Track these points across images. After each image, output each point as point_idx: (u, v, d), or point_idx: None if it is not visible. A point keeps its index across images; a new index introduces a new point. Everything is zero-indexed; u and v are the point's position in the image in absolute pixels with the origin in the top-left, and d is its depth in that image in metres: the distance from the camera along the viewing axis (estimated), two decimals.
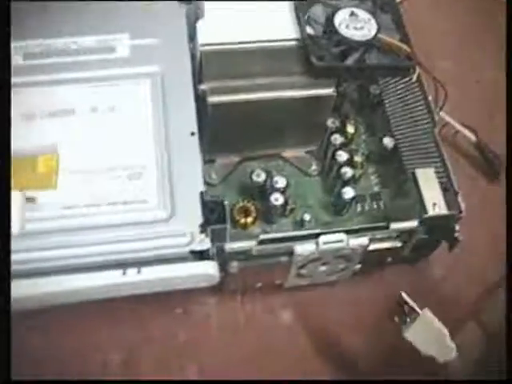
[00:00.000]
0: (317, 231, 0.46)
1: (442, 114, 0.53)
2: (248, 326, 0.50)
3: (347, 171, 0.49)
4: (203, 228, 0.44)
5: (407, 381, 0.47)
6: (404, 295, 0.45)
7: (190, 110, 0.48)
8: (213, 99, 0.46)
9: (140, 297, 0.45)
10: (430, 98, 0.51)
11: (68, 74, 0.49)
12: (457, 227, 0.48)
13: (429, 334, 0.43)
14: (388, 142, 0.51)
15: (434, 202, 0.47)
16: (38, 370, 0.47)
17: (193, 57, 0.50)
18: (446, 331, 0.43)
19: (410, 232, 0.47)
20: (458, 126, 0.57)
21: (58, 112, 0.48)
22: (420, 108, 0.52)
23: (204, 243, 0.43)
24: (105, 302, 0.44)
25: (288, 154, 0.53)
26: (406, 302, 0.44)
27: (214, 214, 0.44)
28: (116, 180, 0.45)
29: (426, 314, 0.44)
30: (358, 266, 0.49)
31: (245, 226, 0.49)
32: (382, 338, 0.50)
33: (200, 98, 0.48)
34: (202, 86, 0.47)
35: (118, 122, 0.47)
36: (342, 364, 0.50)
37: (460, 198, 0.47)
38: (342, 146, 0.51)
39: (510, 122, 0.50)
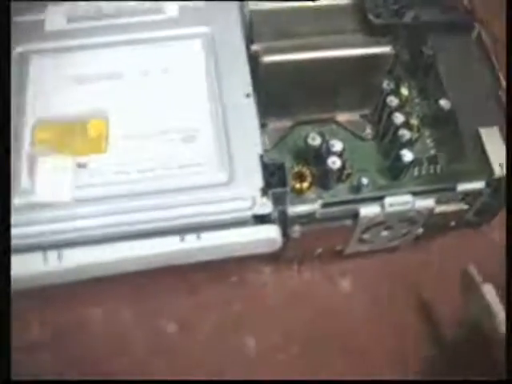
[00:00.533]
0: (382, 193, 0.44)
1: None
2: (305, 294, 0.49)
3: (405, 133, 0.48)
4: (264, 191, 0.42)
5: (412, 381, 0.46)
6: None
7: (243, 71, 0.46)
8: (266, 59, 0.45)
9: (193, 265, 0.44)
10: (492, 57, 0.49)
11: (116, 37, 0.47)
12: None
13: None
14: (445, 103, 0.49)
15: (501, 163, 0.45)
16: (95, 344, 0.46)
17: (244, 17, 0.48)
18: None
19: (475, 194, 0.45)
20: None
21: (108, 76, 0.46)
22: (479, 68, 0.50)
23: (266, 207, 0.42)
24: (158, 270, 0.43)
25: (342, 118, 0.51)
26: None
27: (274, 177, 0.43)
28: (170, 143, 0.44)
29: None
30: (421, 231, 0.48)
31: (300, 192, 0.47)
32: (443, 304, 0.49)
33: (253, 59, 0.46)
34: (254, 47, 0.46)
35: (170, 84, 0.46)
36: (400, 331, 0.49)
37: None
38: (398, 109, 0.49)
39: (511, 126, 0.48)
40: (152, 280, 0.46)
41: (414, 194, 0.44)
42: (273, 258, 0.48)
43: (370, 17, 0.45)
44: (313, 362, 0.47)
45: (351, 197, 0.44)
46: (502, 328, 0.40)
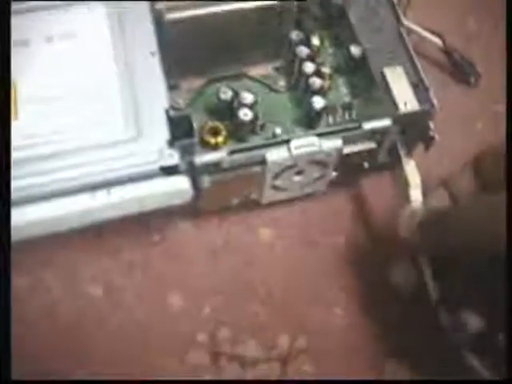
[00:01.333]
0: (288, 138, 0.44)
1: (405, 21, 0.51)
2: (227, 246, 0.49)
3: (315, 81, 0.48)
4: (171, 143, 0.43)
5: (408, 381, 0.47)
6: None
7: (148, 31, 0.46)
8: (169, 16, 0.46)
9: (114, 226, 0.44)
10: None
11: (18, 5, 0.47)
12: (431, 125, 0.46)
13: None
14: (355, 50, 0.50)
15: (405, 101, 0.45)
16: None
17: None
18: None
19: (383, 132, 0.46)
20: (423, 32, 0.56)
21: (13, 43, 0.46)
22: (384, 11, 0.51)
23: (173, 158, 0.42)
24: (79, 233, 0.43)
25: (254, 72, 0.51)
26: None
27: (180, 128, 0.43)
28: (79, 104, 0.44)
29: None
30: (334, 174, 0.48)
31: (216, 146, 0.47)
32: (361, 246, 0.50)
33: (157, 18, 0.46)
34: (158, 5, 0.46)
35: (75, 47, 0.46)
36: (324, 280, 0.49)
37: (432, 94, 0.46)
38: (309, 58, 0.49)
39: (510, 122, 0.49)
40: (71, 243, 0.46)
41: (321, 135, 0.44)
42: (192, 214, 0.48)
43: None
44: (237, 313, 0.47)
45: (257, 143, 0.44)
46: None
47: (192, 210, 0.47)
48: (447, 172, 0.46)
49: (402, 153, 0.47)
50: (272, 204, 0.49)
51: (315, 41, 0.51)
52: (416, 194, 0.46)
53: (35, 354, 0.45)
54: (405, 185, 0.47)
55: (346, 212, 0.51)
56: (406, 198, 0.46)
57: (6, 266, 0.37)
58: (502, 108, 0.56)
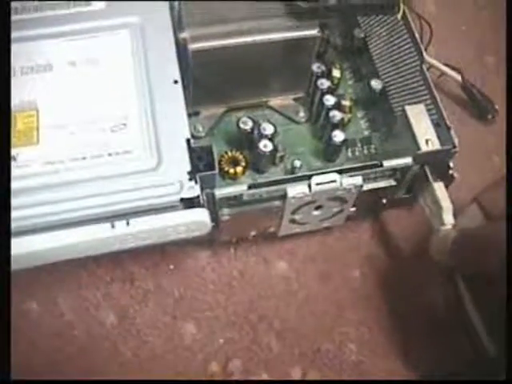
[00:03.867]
0: (309, 173, 0.44)
1: (426, 56, 0.51)
2: (243, 278, 0.49)
3: (336, 114, 0.48)
4: (192, 175, 0.42)
5: (409, 381, 0.47)
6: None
7: (171, 59, 0.47)
8: (193, 46, 0.45)
9: (130, 254, 0.44)
10: (416, 35, 0.50)
11: (44, 29, 0.47)
12: (451, 163, 0.46)
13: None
14: (376, 84, 0.50)
15: (427, 139, 0.45)
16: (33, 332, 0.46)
17: (172, 4, 0.48)
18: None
19: (404, 170, 0.46)
20: (443, 68, 0.56)
21: (36, 68, 0.46)
22: (407, 47, 0.51)
23: (193, 190, 0.42)
24: (95, 260, 0.43)
25: (275, 102, 0.51)
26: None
27: (201, 161, 0.43)
28: (99, 132, 0.44)
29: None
30: (353, 210, 0.48)
31: (234, 176, 0.47)
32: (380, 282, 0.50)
33: (181, 47, 0.46)
34: (183, 35, 0.46)
35: (98, 74, 0.46)
36: (338, 313, 0.49)
37: (453, 133, 0.46)
38: (329, 91, 0.49)
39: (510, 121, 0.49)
40: (88, 269, 0.46)
41: (342, 172, 0.44)
42: (209, 244, 0.48)
43: (298, 1, 0.45)
44: (250, 345, 0.47)
45: (278, 177, 0.44)
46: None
47: (208, 240, 0.47)
48: (463, 205, 0.45)
49: (430, 177, 0.47)
50: (289, 236, 0.49)
51: (336, 73, 0.51)
52: (448, 217, 0.46)
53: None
54: (434, 210, 0.47)
55: (363, 246, 0.51)
56: (435, 223, 0.46)
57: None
58: None
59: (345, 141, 0.48)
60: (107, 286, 0.48)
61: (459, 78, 0.57)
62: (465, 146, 0.47)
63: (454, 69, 0.56)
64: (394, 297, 0.49)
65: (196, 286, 0.49)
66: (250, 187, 0.43)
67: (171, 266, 0.49)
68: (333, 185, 0.44)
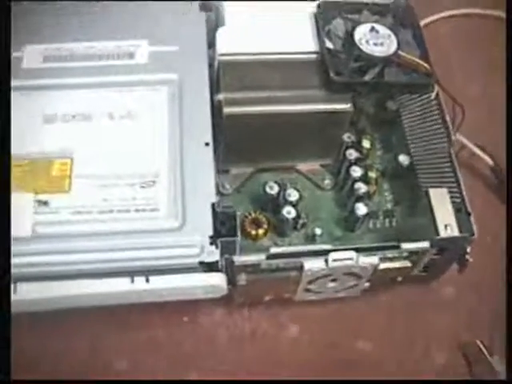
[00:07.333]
0: (327, 247, 0.45)
1: (458, 135, 0.52)
2: (254, 337, 0.50)
3: (361, 187, 0.49)
4: (213, 240, 0.44)
5: (407, 381, 0.47)
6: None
7: (205, 120, 0.48)
8: (228, 110, 0.46)
9: (145, 303, 0.45)
10: (447, 117, 0.51)
11: (86, 79, 0.49)
12: (468, 249, 0.47)
13: None
14: (404, 159, 0.51)
15: (446, 224, 0.46)
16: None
17: (210, 65, 0.50)
18: None
19: (420, 252, 0.47)
20: (475, 149, 0.56)
21: (75, 116, 0.48)
22: (437, 127, 0.52)
23: (213, 255, 0.43)
24: (112, 306, 0.44)
25: (302, 166, 0.52)
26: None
27: (224, 226, 0.44)
28: (129, 187, 0.45)
29: None
30: (367, 284, 0.49)
31: (256, 238, 0.49)
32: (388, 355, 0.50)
33: (216, 108, 0.48)
34: (219, 97, 0.47)
35: (134, 128, 0.48)
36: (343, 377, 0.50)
37: (473, 220, 0.46)
38: (357, 161, 0.50)
39: (510, 130, 0.49)
40: (102, 315, 0.48)
41: (359, 250, 0.45)
42: (224, 301, 0.49)
43: (332, 74, 0.46)
44: None
45: (296, 249, 0.45)
46: None
47: (224, 298, 0.48)
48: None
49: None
50: (303, 302, 0.50)
51: (366, 144, 0.52)
52: None
53: None
54: None
55: (376, 318, 0.51)
56: None
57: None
58: None
59: (367, 214, 0.48)
60: (120, 332, 0.49)
61: (490, 160, 0.57)
62: (487, 230, 0.47)
63: (485, 150, 0.57)
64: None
65: (207, 341, 0.50)
66: (268, 257, 0.44)
67: (185, 319, 0.50)
68: (349, 262, 0.45)
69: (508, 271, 0.37)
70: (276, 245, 0.49)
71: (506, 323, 0.39)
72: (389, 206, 0.52)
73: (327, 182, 0.52)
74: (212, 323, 0.50)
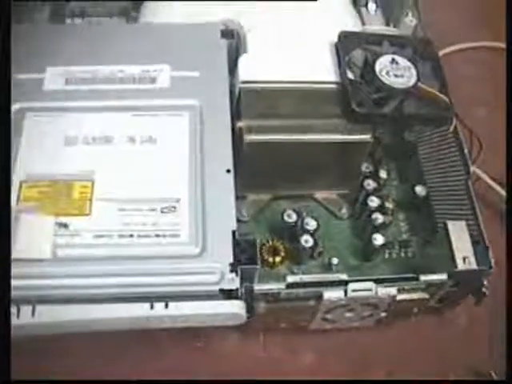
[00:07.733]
0: (346, 278, 0.45)
1: (475, 168, 0.52)
2: (268, 364, 0.50)
3: (378, 217, 0.49)
4: (233, 267, 0.44)
5: (409, 381, 0.48)
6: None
7: (226, 147, 0.48)
8: (249, 137, 0.47)
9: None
10: (465, 150, 0.51)
11: (108, 102, 0.49)
12: (485, 282, 0.47)
13: None
14: (420, 190, 0.51)
15: (464, 256, 0.46)
16: None
17: (232, 92, 0.50)
18: None
19: (437, 285, 0.47)
20: (490, 182, 0.57)
21: (97, 139, 0.48)
22: (455, 159, 0.52)
23: (233, 282, 0.43)
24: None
25: (319, 195, 0.53)
26: None
27: (245, 254, 0.44)
28: (150, 212, 0.45)
29: None
30: (384, 315, 0.49)
31: (272, 265, 0.49)
32: None
33: (236, 135, 0.48)
34: (239, 124, 0.48)
35: (155, 153, 0.48)
36: None
37: (491, 254, 0.47)
38: (375, 192, 0.51)
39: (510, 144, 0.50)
40: (116, 335, 0.48)
41: (378, 281, 0.45)
42: (239, 327, 0.49)
43: (353, 105, 0.47)
44: None
45: (318, 279, 0.46)
46: None
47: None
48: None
49: None
50: (318, 330, 0.50)
51: (383, 174, 0.53)
52: None
53: None
54: None
55: (391, 348, 0.51)
56: None
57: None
58: None
59: (384, 244, 0.49)
60: (133, 353, 0.49)
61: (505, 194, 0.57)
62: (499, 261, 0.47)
63: (500, 184, 0.57)
64: None
65: (221, 366, 0.50)
66: (288, 286, 0.44)
67: (200, 344, 0.50)
68: (368, 293, 0.45)
69: (508, 271, 0.37)
70: (292, 273, 0.49)
71: (506, 323, 0.39)
72: (404, 236, 0.52)
73: (344, 211, 0.53)
74: (227, 348, 0.51)
